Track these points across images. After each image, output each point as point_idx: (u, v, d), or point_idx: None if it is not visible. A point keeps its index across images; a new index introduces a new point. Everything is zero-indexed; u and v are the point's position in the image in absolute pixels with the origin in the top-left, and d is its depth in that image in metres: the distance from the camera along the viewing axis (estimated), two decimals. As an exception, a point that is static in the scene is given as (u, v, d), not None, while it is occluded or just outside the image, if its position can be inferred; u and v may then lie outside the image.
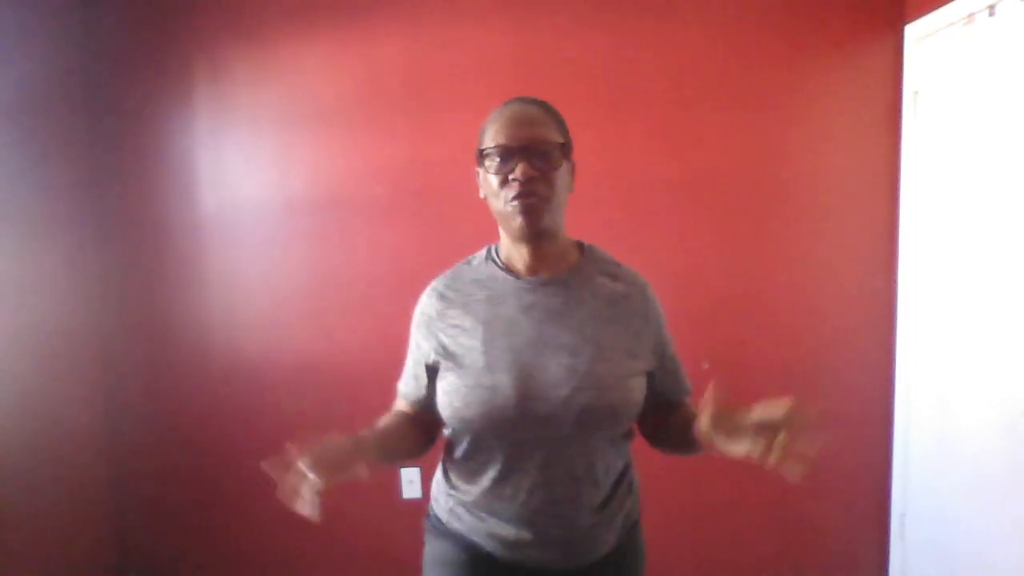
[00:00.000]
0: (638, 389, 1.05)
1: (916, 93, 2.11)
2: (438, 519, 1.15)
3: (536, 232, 1.01)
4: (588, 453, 1.02)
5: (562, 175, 1.02)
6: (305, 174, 2.25)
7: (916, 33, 2.07)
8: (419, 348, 1.11)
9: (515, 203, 0.98)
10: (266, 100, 2.23)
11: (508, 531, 1.04)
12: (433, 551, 1.16)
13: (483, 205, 2.38)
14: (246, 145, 2.26)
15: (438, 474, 1.18)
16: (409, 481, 2.30)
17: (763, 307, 2.24)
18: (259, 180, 2.26)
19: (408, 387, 1.15)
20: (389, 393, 2.40)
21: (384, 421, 1.11)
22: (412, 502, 2.31)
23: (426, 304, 1.12)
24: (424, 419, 1.13)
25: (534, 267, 1.07)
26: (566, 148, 1.04)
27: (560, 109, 1.08)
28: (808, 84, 2.18)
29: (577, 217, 2.20)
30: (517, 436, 1.01)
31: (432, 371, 1.08)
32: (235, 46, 2.22)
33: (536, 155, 0.99)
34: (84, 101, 2.23)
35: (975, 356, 1.90)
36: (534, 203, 0.98)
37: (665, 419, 1.14)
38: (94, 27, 2.23)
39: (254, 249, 2.28)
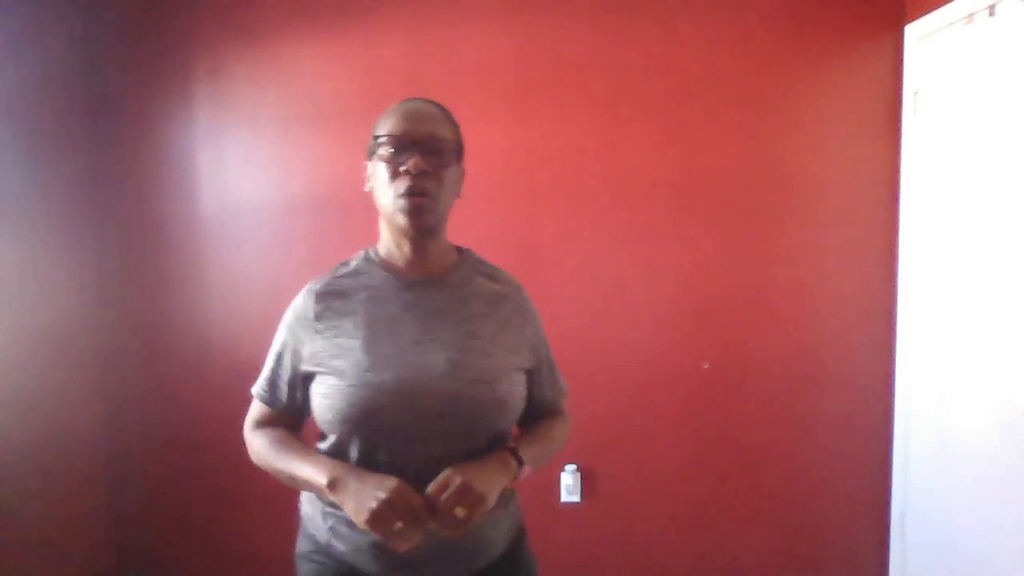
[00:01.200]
0: (521, 384, 1.06)
1: (916, 93, 2.11)
2: (315, 542, 1.07)
3: (421, 229, 1.01)
4: (473, 453, 0.98)
5: (452, 176, 1.03)
6: (305, 174, 2.25)
7: (916, 33, 2.07)
8: (293, 353, 1.06)
9: (403, 199, 0.98)
10: (266, 100, 2.23)
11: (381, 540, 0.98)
12: (303, 570, 1.09)
13: (483, 204, 2.39)
14: (246, 145, 2.26)
15: (308, 496, 1.10)
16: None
17: (763, 307, 2.24)
18: (259, 180, 2.26)
19: (275, 393, 1.08)
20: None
21: (296, 445, 1.04)
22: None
23: (302, 307, 1.07)
24: (292, 425, 1.10)
25: (415, 265, 1.06)
26: (459, 150, 1.06)
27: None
28: (808, 84, 2.18)
29: (578, 217, 2.21)
30: (404, 434, 0.97)
31: (308, 376, 1.04)
32: (235, 46, 2.22)
33: (430, 151, 1.00)
34: (84, 101, 2.23)
35: (975, 356, 1.90)
36: (423, 201, 0.98)
37: (532, 421, 1.13)
38: (94, 27, 2.23)
39: (254, 249, 2.28)
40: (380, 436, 0.98)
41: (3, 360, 1.90)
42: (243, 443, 1.13)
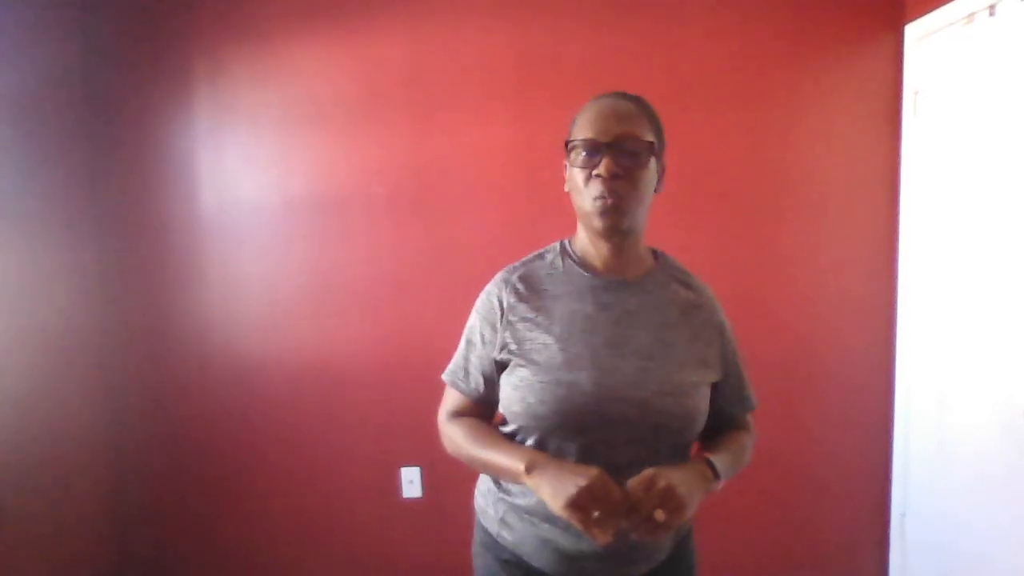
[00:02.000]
0: (706, 398, 1.04)
1: (916, 93, 2.11)
2: (486, 533, 1.10)
3: (616, 232, 1.00)
4: (656, 461, 0.97)
5: (648, 175, 1.00)
6: (305, 174, 2.25)
7: (916, 33, 2.07)
8: (485, 341, 1.06)
9: (597, 202, 0.97)
10: (266, 100, 2.23)
11: (566, 539, 1.00)
12: (480, 569, 1.12)
13: (484, 204, 2.39)
14: (246, 145, 2.26)
15: (483, 484, 1.13)
16: (409, 481, 2.30)
17: (763, 307, 2.24)
18: (259, 180, 2.26)
19: (468, 382, 1.09)
20: (388, 392, 2.40)
21: (492, 433, 1.05)
22: (412, 502, 2.31)
23: (496, 295, 1.07)
24: (484, 414, 1.10)
25: (611, 266, 1.05)
26: (656, 147, 1.02)
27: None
28: (808, 84, 2.18)
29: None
30: (589, 436, 0.97)
31: (501, 366, 1.04)
32: (235, 46, 2.22)
33: (623, 152, 0.97)
34: (84, 101, 2.23)
35: (975, 356, 1.90)
36: (615, 203, 0.97)
37: (719, 434, 1.11)
38: (94, 27, 2.23)
39: (254, 249, 2.28)
40: (564, 434, 0.98)
41: (3, 360, 1.90)
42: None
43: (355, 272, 2.27)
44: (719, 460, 1.00)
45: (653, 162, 1.01)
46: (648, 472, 0.88)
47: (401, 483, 2.31)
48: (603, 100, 1.02)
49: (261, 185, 2.26)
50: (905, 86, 2.14)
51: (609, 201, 0.96)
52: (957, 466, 1.98)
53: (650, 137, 1.00)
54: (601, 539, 0.84)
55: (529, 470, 0.92)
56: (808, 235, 2.22)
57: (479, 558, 1.13)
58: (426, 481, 2.30)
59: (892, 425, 2.24)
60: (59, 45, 2.17)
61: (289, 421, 2.31)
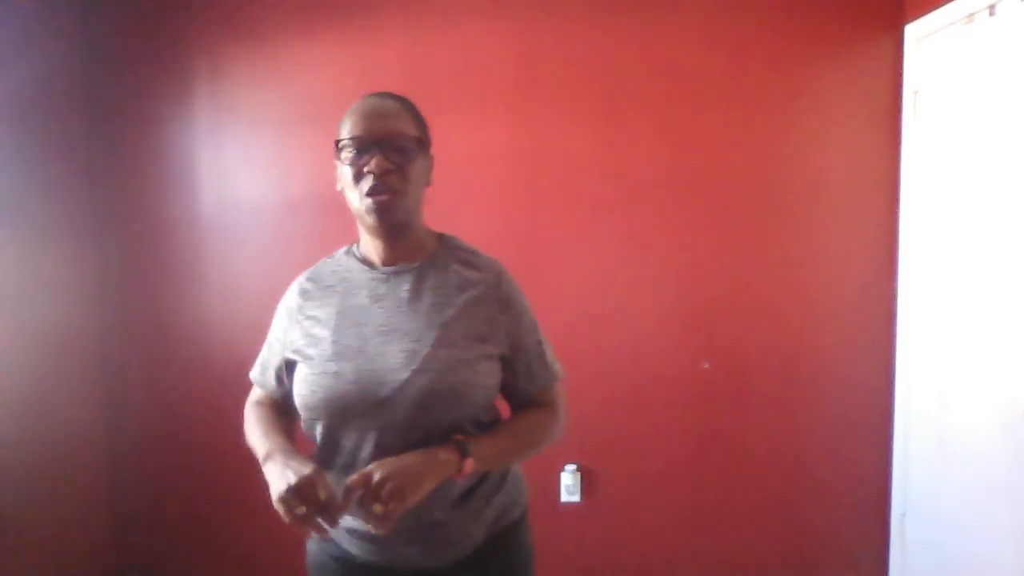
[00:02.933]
0: (487, 374, 1.05)
1: (916, 93, 2.11)
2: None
3: (390, 226, 1.03)
4: (434, 442, 0.98)
5: (418, 169, 1.04)
6: (305, 174, 2.25)
7: (916, 33, 2.07)
8: (278, 341, 1.13)
9: (369, 199, 1.00)
10: (266, 100, 2.23)
11: (362, 525, 1.01)
12: (310, 556, 1.15)
13: (483, 204, 2.39)
14: (246, 145, 2.26)
15: None
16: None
17: (763, 307, 2.24)
18: (259, 180, 2.27)
19: (265, 377, 1.16)
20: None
21: (261, 422, 1.10)
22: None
23: (288, 298, 1.15)
24: (283, 407, 1.14)
25: (388, 258, 1.08)
26: (422, 142, 1.07)
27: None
28: (808, 84, 2.18)
29: (578, 217, 2.21)
30: (361, 422, 1.00)
31: (290, 364, 1.09)
32: (235, 46, 2.22)
33: (392, 149, 1.00)
34: (84, 101, 2.23)
35: (975, 356, 1.90)
36: (388, 199, 1.00)
37: (514, 413, 1.14)
38: (94, 27, 2.23)
39: (254, 249, 2.28)
40: (339, 423, 1.02)
41: (3, 360, 1.90)
42: (243, 443, 1.14)
43: (355, 272, 2.26)
44: (478, 443, 1.01)
45: (421, 157, 1.06)
46: (367, 468, 0.91)
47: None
48: (368, 100, 1.06)
49: (261, 185, 2.27)
50: (905, 86, 2.14)
51: (383, 197, 1.00)
52: (957, 466, 1.98)
53: (416, 132, 1.05)
54: (305, 534, 0.90)
55: (264, 461, 0.98)
56: (808, 235, 2.22)
57: (311, 548, 1.15)
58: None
59: (892, 425, 2.24)
60: (59, 45, 2.17)
61: (289, 421, 2.31)
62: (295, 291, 1.14)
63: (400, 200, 1.02)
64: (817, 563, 2.31)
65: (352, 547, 1.07)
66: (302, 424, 1.09)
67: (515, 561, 1.15)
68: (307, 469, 0.91)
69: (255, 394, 1.19)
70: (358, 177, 1.01)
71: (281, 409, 1.14)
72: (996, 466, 1.81)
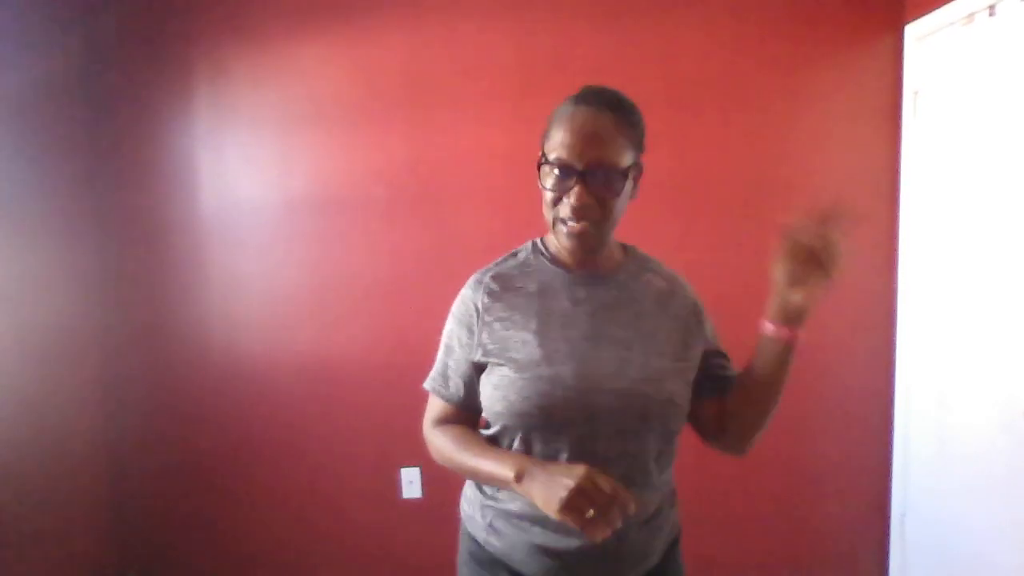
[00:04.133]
0: (688, 384, 1.04)
1: (916, 93, 2.11)
2: (473, 541, 1.08)
3: (583, 254, 1.01)
4: (643, 455, 0.97)
5: (622, 198, 0.98)
6: (305, 174, 2.25)
7: (916, 33, 2.07)
8: (463, 345, 1.05)
9: (563, 225, 0.97)
10: (266, 100, 2.23)
11: (556, 541, 0.98)
12: None
13: (483, 204, 2.38)
14: (246, 145, 2.26)
15: (469, 490, 1.11)
16: (409, 481, 2.30)
17: (763, 307, 2.23)
18: (259, 180, 2.26)
19: (450, 388, 1.07)
20: (388, 393, 2.39)
21: (477, 440, 1.04)
22: (412, 502, 2.31)
23: (471, 298, 1.06)
24: (468, 420, 1.09)
25: (583, 262, 1.05)
26: (635, 157, 0.99)
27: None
28: (808, 84, 2.18)
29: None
30: (574, 431, 0.96)
31: (480, 368, 1.03)
32: (235, 46, 2.22)
33: (597, 179, 0.94)
34: (84, 101, 2.23)
35: (975, 356, 1.90)
36: (582, 230, 0.95)
37: (725, 399, 1.11)
38: (94, 27, 2.23)
39: (254, 249, 2.28)
40: (548, 430, 0.97)
41: (3, 360, 1.90)
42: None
43: (355, 272, 2.27)
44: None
45: (630, 181, 0.99)
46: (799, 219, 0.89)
47: (401, 483, 2.31)
48: (582, 112, 0.95)
49: (261, 185, 2.26)
50: (905, 86, 2.14)
51: (577, 229, 0.96)
52: (957, 466, 1.98)
53: (628, 160, 0.97)
54: (598, 536, 0.83)
55: (519, 478, 0.90)
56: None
57: (465, 568, 1.10)
58: (426, 481, 2.30)
59: (892, 425, 2.24)
60: (59, 45, 2.17)
61: (289, 421, 2.31)
62: (479, 291, 1.05)
63: (596, 232, 0.97)
64: (817, 563, 2.31)
65: (526, 565, 1.01)
66: (488, 434, 1.04)
67: (680, 573, 1.14)
68: (581, 469, 0.85)
69: (436, 409, 1.10)
70: (556, 200, 0.96)
71: (472, 421, 1.08)
72: (996, 466, 1.81)
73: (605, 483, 0.83)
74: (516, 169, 2.21)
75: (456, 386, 1.07)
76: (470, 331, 1.04)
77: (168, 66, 2.24)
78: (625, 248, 1.13)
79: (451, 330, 1.09)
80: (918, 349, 2.15)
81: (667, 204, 2.22)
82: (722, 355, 1.14)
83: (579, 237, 0.96)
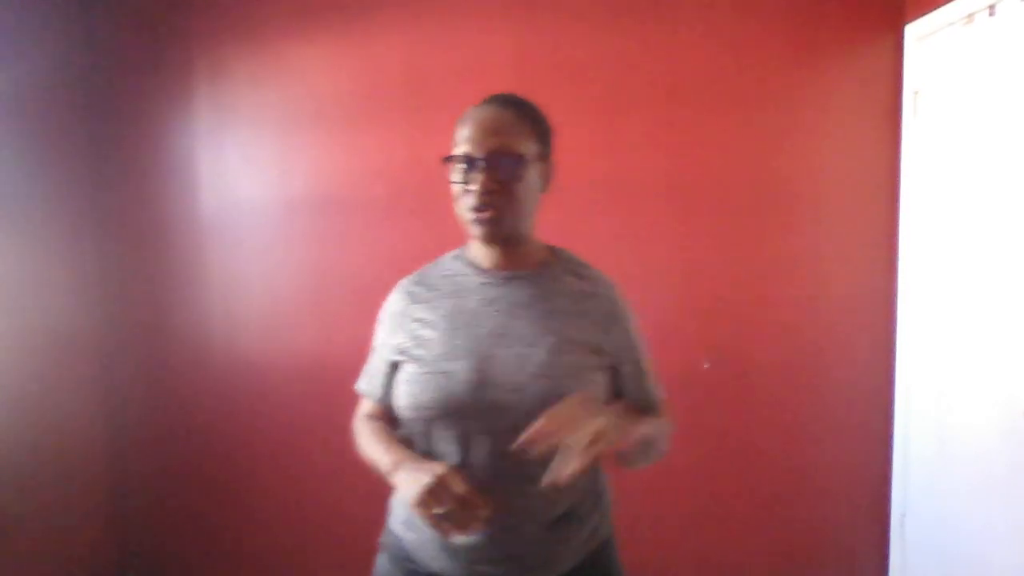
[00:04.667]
0: (598, 384, 1.05)
1: (916, 93, 2.11)
2: (392, 533, 1.13)
3: (493, 241, 1.04)
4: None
5: (528, 184, 1.02)
6: (305, 174, 2.26)
7: (916, 33, 2.07)
8: (384, 345, 1.12)
9: (472, 213, 1.00)
10: (266, 100, 2.23)
11: (464, 542, 1.00)
12: (379, 571, 1.14)
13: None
14: (246, 145, 2.26)
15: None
16: (409, 481, 2.30)
17: (763, 307, 2.24)
18: (259, 180, 2.27)
19: (373, 386, 1.14)
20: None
21: (380, 435, 1.08)
22: (412, 502, 2.31)
23: (392, 301, 1.14)
24: (392, 418, 1.12)
25: (501, 264, 1.08)
26: (536, 155, 1.04)
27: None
28: (808, 84, 2.18)
29: (577, 217, 2.21)
30: (470, 424, 0.99)
31: (396, 366, 1.09)
32: (235, 46, 2.22)
33: (499, 167, 0.99)
34: (84, 101, 2.23)
35: (975, 356, 1.90)
36: (490, 215, 0.99)
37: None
38: (94, 27, 2.23)
39: (254, 249, 2.28)
40: (445, 424, 1.00)
41: (3, 360, 1.90)
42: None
43: (355, 272, 2.26)
44: (636, 419, 1.01)
45: (533, 169, 1.03)
46: (573, 396, 0.91)
47: (401, 483, 2.31)
48: (482, 110, 1.03)
49: (261, 185, 2.27)
50: (905, 86, 2.14)
51: (483, 215, 0.99)
52: (957, 466, 1.98)
53: (528, 148, 1.02)
54: (446, 535, 0.88)
55: (392, 470, 0.96)
56: (808, 235, 2.22)
57: (383, 557, 1.15)
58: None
59: (892, 425, 2.24)
60: (59, 45, 2.17)
61: (289, 421, 2.31)
62: (401, 294, 1.13)
63: (503, 217, 1.00)
64: (817, 563, 2.31)
65: (435, 561, 1.04)
66: (403, 428, 1.08)
67: None
68: (440, 468, 0.90)
69: (364, 407, 1.17)
70: (464, 192, 1.01)
71: (394, 420, 1.11)
72: (996, 466, 1.81)
73: (457, 485, 0.88)
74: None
75: (378, 384, 1.13)
76: (391, 333, 1.11)
77: (168, 66, 2.24)
78: (553, 250, 1.15)
79: (377, 333, 1.16)
80: (918, 349, 2.15)
81: (667, 204, 2.22)
82: (637, 375, 1.13)
83: (488, 223, 1.00)
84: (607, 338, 1.07)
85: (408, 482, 0.91)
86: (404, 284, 1.15)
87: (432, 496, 0.87)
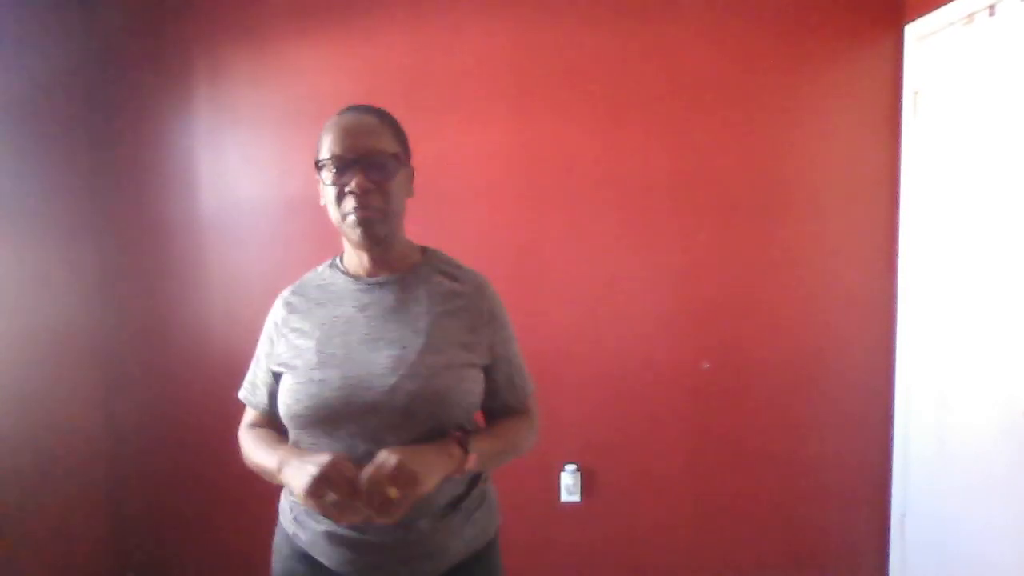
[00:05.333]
0: (472, 380, 1.06)
1: (916, 93, 2.11)
2: (284, 534, 1.15)
3: (374, 241, 1.05)
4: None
5: (399, 184, 1.06)
6: (305, 174, 2.24)
7: (916, 33, 2.07)
8: (266, 356, 1.14)
9: (352, 216, 1.02)
10: (266, 100, 2.23)
11: (347, 533, 1.02)
12: (276, 563, 1.16)
13: (483, 204, 2.39)
14: (246, 145, 2.26)
15: (284, 489, 1.15)
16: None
17: (763, 307, 2.24)
18: (259, 180, 2.26)
19: (256, 395, 1.15)
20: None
21: (263, 439, 1.09)
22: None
23: (273, 312, 1.16)
24: (276, 427, 1.13)
25: (372, 270, 1.11)
26: (402, 157, 1.08)
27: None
28: (808, 84, 2.18)
29: (577, 217, 2.21)
30: (346, 428, 1.00)
31: (276, 376, 1.10)
32: (235, 46, 2.22)
33: (372, 166, 1.02)
34: (84, 101, 2.23)
35: (975, 356, 1.90)
36: (370, 215, 1.02)
37: (493, 420, 1.15)
38: (94, 27, 2.23)
39: (254, 249, 2.28)
40: (324, 430, 1.01)
41: (3, 360, 1.90)
42: (240, 444, 1.15)
43: (355, 272, 2.26)
44: (475, 440, 1.02)
45: (401, 171, 1.07)
46: (380, 454, 0.90)
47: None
48: (345, 116, 1.07)
49: (261, 185, 2.26)
50: (905, 86, 2.14)
51: (364, 215, 1.01)
52: (957, 466, 1.98)
53: (395, 148, 1.06)
54: (340, 520, 0.89)
55: (280, 468, 0.97)
56: (808, 235, 2.22)
57: (277, 556, 1.16)
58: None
59: (892, 425, 2.24)
60: (59, 45, 2.17)
61: (289, 421, 2.31)
62: (279, 305, 1.16)
63: (382, 216, 1.03)
64: (817, 563, 2.31)
65: (325, 556, 1.05)
66: (289, 436, 1.09)
67: (493, 573, 1.15)
68: (326, 457, 0.90)
69: (248, 416, 1.19)
70: (340, 196, 1.03)
71: (279, 428, 1.12)
72: (996, 466, 1.81)
73: (348, 470, 0.88)
74: (516, 169, 2.22)
75: (262, 394, 1.14)
76: (271, 343, 1.13)
77: (168, 66, 2.24)
78: (425, 251, 1.18)
79: (259, 343, 1.18)
80: (918, 349, 2.15)
81: (667, 204, 2.22)
82: (508, 372, 1.14)
83: (367, 224, 1.02)
84: (478, 336, 1.09)
85: (297, 475, 0.91)
86: (284, 295, 1.17)
87: (323, 483, 0.87)
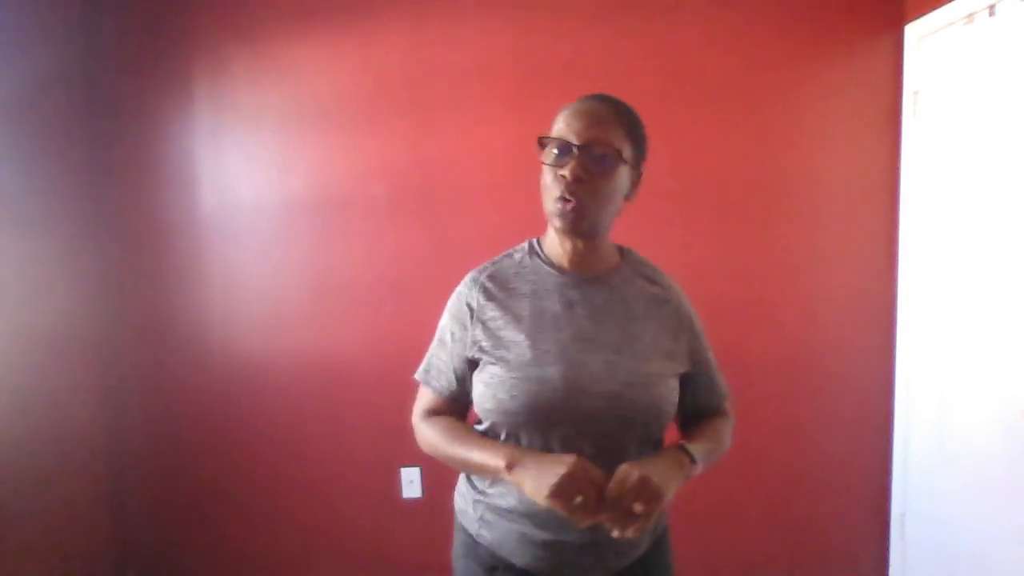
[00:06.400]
0: (675, 390, 1.05)
1: (916, 93, 2.11)
2: (467, 534, 1.11)
3: (574, 232, 1.02)
4: (623, 455, 0.98)
5: (615, 182, 1.00)
6: (305, 174, 2.25)
7: (916, 33, 2.07)
8: (456, 340, 1.08)
9: (556, 203, 0.99)
10: (266, 100, 2.23)
11: (544, 535, 1.01)
12: (457, 569, 1.13)
13: (484, 204, 2.38)
14: (246, 145, 2.26)
15: (462, 485, 1.14)
16: (409, 481, 2.30)
17: (763, 307, 2.24)
18: (259, 180, 2.26)
19: (441, 381, 1.11)
20: (388, 392, 2.38)
21: (469, 433, 1.06)
22: (412, 502, 2.31)
23: (466, 295, 1.09)
24: (458, 412, 1.11)
25: (577, 263, 1.07)
26: (628, 155, 1.02)
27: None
28: (808, 84, 2.18)
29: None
30: (558, 430, 0.98)
31: (472, 364, 1.06)
32: (235, 46, 2.22)
33: (591, 157, 0.98)
34: (84, 101, 2.23)
35: (975, 356, 1.90)
36: (575, 206, 0.98)
37: (697, 422, 1.14)
38: (94, 27, 2.23)
39: (254, 249, 2.28)
40: (534, 429, 0.99)
41: (3, 360, 1.90)
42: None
43: (355, 272, 2.26)
44: (695, 447, 1.00)
45: (624, 170, 1.02)
46: (621, 468, 0.89)
47: (401, 483, 2.31)
48: (584, 101, 1.03)
49: (261, 185, 2.26)
50: (905, 86, 2.14)
51: (569, 204, 0.98)
52: (957, 466, 1.98)
53: (622, 145, 1.01)
54: (584, 522, 0.86)
55: (510, 467, 0.94)
56: (808, 235, 2.22)
57: (459, 562, 1.13)
58: (426, 481, 2.30)
59: (892, 425, 2.24)
60: (59, 45, 2.17)
61: (289, 421, 2.31)
62: (474, 288, 1.08)
63: (587, 209, 0.99)
64: (817, 563, 2.31)
65: (516, 555, 1.04)
66: (481, 425, 1.07)
67: (669, 564, 1.15)
68: (571, 457, 0.88)
69: (426, 401, 1.13)
70: (553, 178, 0.99)
71: (461, 414, 1.11)
72: (996, 466, 1.82)
73: (595, 472, 0.87)
74: (516, 169, 2.22)
75: (448, 379, 1.10)
76: (464, 327, 1.07)
77: (169, 66, 2.24)
78: (622, 251, 1.15)
79: (445, 324, 1.12)
80: (918, 349, 2.15)
81: (667, 204, 2.22)
82: (707, 375, 1.14)
83: (571, 214, 0.98)
84: (680, 344, 1.08)
85: (540, 475, 0.88)
86: (477, 278, 1.10)
87: (573, 484, 0.85)
